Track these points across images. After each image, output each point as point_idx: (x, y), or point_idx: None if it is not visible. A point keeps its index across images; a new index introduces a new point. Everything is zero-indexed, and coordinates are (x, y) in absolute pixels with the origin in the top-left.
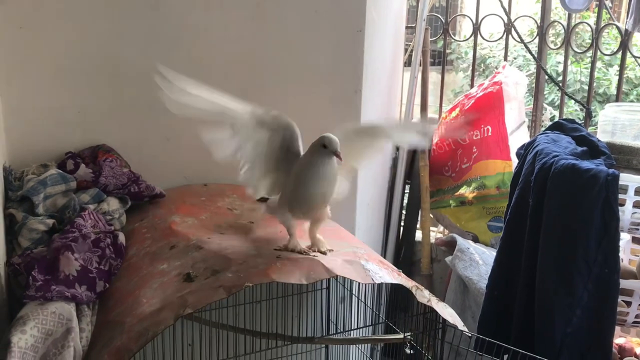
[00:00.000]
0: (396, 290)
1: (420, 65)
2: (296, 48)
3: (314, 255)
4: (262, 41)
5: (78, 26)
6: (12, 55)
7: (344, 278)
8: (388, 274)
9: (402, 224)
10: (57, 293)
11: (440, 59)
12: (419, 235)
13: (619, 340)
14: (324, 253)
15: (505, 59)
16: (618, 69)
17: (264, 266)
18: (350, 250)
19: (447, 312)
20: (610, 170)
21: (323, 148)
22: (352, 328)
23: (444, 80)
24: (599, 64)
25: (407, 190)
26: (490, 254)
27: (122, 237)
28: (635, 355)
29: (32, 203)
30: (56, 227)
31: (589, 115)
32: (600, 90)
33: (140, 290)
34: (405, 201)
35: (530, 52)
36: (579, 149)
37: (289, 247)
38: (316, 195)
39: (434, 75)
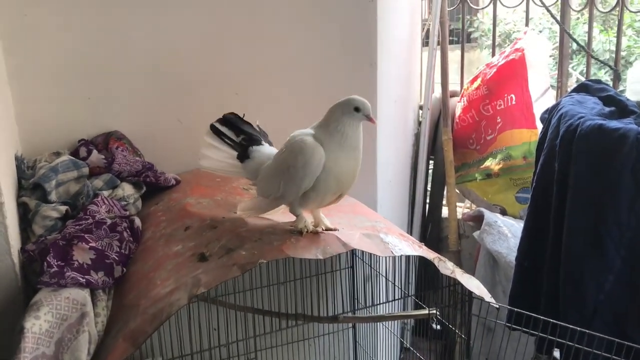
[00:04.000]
0: (424, 266)
1: (438, 37)
2: (308, 20)
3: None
4: (273, 15)
5: (85, 12)
6: (19, 43)
7: (369, 256)
8: (408, 247)
9: (428, 200)
10: (72, 280)
11: (462, 43)
12: (445, 211)
13: None
14: (332, 230)
15: (527, 24)
16: None
17: (279, 242)
18: (370, 224)
19: (472, 284)
20: None
21: (355, 112)
22: (375, 303)
23: (469, 57)
24: (629, 32)
25: (431, 167)
26: (519, 226)
27: (138, 222)
28: None
29: (45, 190)
30: (70, 214)
31: (617, 78)
32: (632, 59)
33: (155, 272)
34: (430, 177)
35: (552, 15)
36: (607, 109)
37: (299, 227)
38: (348, 174)
39: (456, 54)
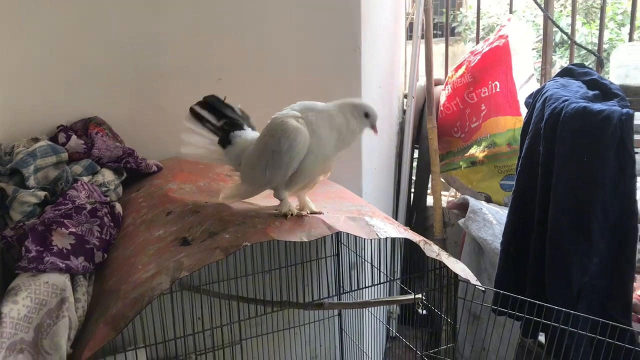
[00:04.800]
0: (410, 253)
1: (423, 26)
2: (291, 4)
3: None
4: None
5: None
6: None
7: (354, 243)
8: (394, 229)
9: (413, 189)
10: (51, 265)
11: (446, 32)
12: (430, 200)
13: None
14: (317, 213)
15: (510, 12)
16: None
17: (263, 226)
18: (355, 208)
19: (458, 267)
20: (624, 110)
21: (364, 117)
22: (361, 287)
23: (453, 51)
24: (611, 25)
25: (416, 155)
26: (504, 213)
27: (119, 207)
28: None
29: (22, 176)
30: (48, 199)
31: (600, 65)
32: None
33: (136, 257)
34: (415, 166)
35: (536, 2)
36: (590, 92)
37: (283, 212)
38: (332, 158)
39: (440, 48)
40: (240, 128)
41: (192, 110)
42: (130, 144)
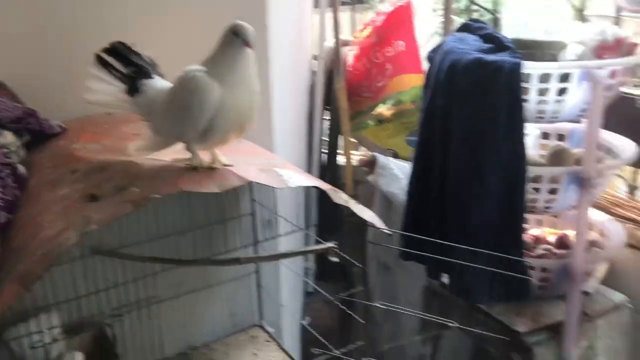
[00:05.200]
0: (324, 207)
1: None
2: None
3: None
4: None
5: None
6: None
7: (270, 201)
8: (304, 178)
9: (325, 149)
10: None
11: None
12: (342, 159)
13: (534, 231)
14: (228, 166)
15: None
16: None
17: (173, 179)
18: (266, 161)
19: (366, 214)
20: (515, 60)
21: (234, 37)
22: (276, 236)
23: (361, 19)
24: None
25: (328, 116)
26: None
27: (22, 169)
28: (548, 243)
29: None
30: None
31: (496, 24)
32: None
33: (42, 216)
34: (327, 126)
35: None
36: (485, 45)
37: (194, 164)
38: (246, 107)
39: (350, 16)
40: (149, 76)
41: (97, 56)
42: (31, 105)
